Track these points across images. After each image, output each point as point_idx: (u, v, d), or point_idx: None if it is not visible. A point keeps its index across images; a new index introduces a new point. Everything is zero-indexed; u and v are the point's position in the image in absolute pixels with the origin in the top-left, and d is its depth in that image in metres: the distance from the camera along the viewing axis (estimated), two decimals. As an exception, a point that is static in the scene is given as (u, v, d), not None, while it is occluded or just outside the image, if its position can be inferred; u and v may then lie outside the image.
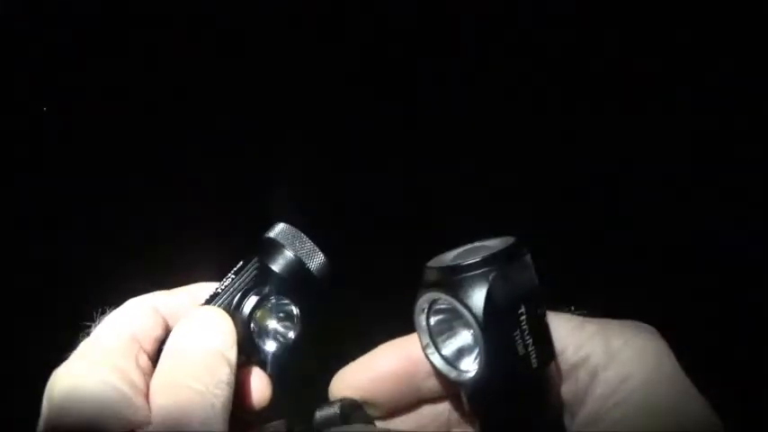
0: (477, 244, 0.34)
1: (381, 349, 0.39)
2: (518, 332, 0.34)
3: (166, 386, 0.35)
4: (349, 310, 1.77)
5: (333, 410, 0.37)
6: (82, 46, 1.55)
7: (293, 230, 0.39)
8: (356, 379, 0.40)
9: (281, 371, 0.40)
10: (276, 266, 0.38)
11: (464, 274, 0.33)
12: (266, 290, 0.38)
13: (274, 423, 0.38)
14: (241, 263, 0.38)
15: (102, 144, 1.66)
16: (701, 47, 1.78)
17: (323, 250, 0.43)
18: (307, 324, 0.39)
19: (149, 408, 0.35)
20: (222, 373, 0.37)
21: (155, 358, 0.37)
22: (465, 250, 0.34)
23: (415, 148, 2.00)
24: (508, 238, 0.33)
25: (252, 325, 0.38)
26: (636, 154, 1.70)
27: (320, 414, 0.37)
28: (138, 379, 0.35)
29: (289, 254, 0.39)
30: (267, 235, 0.39)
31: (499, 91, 1.76)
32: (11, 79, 1.51)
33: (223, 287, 0.39)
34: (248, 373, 0.40)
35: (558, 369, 0.37)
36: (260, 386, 0.40)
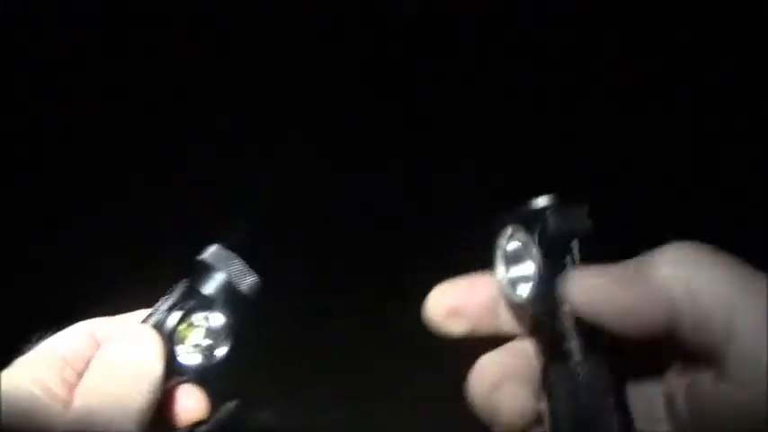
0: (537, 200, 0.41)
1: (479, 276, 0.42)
2: (569, 257, 0.39)
3: (86, 391, 0.37)
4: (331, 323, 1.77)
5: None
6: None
7: (224, 252, 0.41)
8: (451, 294, 0.43)
9: (208, 385, 0.41)
10: (204, 285, 0.40)
11: (531, 209, 0.40)
12: (190, 306, 0.39)
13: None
14: (174, 286, 0.41)
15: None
16: (701, 47, 1.78)
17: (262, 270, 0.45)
18: (235, 340, 0.40)
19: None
20: (143, 381, 0.38)
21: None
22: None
23: (414, 149, 2.00)
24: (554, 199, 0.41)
25: (176, 340, 0.39)
26: (636, 154, 1.70)
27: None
28: (57, 388, 0.37)
29: (218, 274, 0.40)
30: (199, 257, 0.41)
31: (499, 91, 1.76)
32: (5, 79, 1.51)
33: (154, 308, 0.41)
34: (179, 388, 0.41)
35: None
36: (190, 401, 0.41)
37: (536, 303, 0.40)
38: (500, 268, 0.42)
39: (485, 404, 0.41)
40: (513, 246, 0.43)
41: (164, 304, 0.41)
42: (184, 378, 0.41)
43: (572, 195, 0.42)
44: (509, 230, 0.42)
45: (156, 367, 0.39)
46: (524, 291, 0.41)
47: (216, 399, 0.42)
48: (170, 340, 0.39)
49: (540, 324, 0.41)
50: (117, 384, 0.37)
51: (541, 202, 0.41)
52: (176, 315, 0.40)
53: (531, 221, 0.40)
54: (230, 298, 0.41)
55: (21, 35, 1.59)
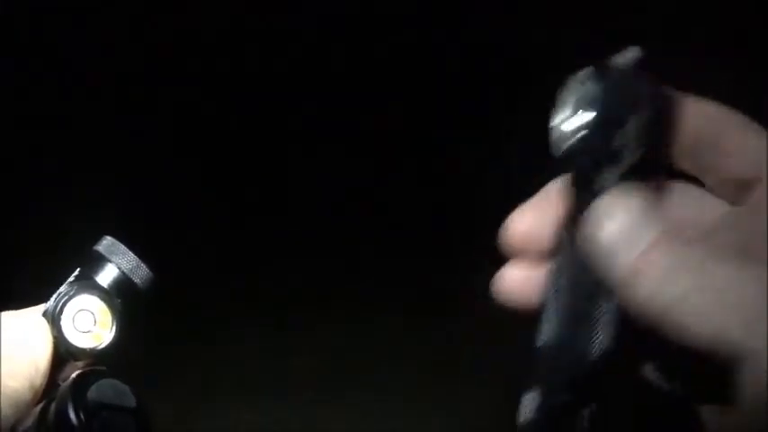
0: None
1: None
2: (633, 125, 0.36)
3: None
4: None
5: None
6: None
7: (117, 244, 0.42)
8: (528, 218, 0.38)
9: (99, 366, 0.43)
10: (96, 274, 0.42)
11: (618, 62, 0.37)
12: (80, 292, 0.40)
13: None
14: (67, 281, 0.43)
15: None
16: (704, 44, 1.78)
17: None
18: (124, 331, 0.41)
19: None
20: (22, 367, 0.39)
21: None
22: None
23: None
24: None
25: (64, 328, 0.41)
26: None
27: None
28: None
29: (110, 265, 0.42)
30: (93, 248, 0.43)
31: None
32: None
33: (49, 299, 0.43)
34: (69, 374, 0.43)
35: None
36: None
37: (583, 156, 0.36)
38: (558, 113, 0.38)
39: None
40: (578, 91, 0.39)
41: (55, 293, 0.42)
42: (79, 364, 0.42)
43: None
44: (581, 75, 0.38)
45: (40, 351, 0.40)
46: (573, 140, 0.38)
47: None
48: (57, 324, 0.41)
49: (578, 182, 0.38)
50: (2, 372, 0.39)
51: (629, 54, 0.38)
52: (63, 299, 0.41)
53: (609, 73, 0.37)
54: (123, 288, 0.42)
55: None
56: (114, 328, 0.41)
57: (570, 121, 0.37)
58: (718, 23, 1.79)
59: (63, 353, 0.41)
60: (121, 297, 0.42)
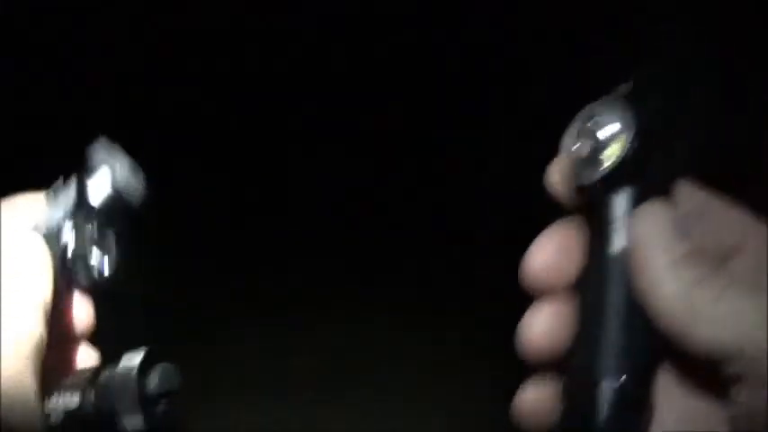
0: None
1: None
2: (659, 151, 0.37)
3: None
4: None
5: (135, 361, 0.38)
6: None
7: (113, 148, 0.39)
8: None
9: (100, 298, 0.40)
10: (95, 187, 0.39)
11: (634, 85, 0.38)
12: (84, 214, 0.38)
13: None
14: (60, 182, 0.39)
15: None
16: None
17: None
18: (124, 250, 0.39)
19: None
20: (30, 295, 0.37)
21: None
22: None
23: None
24: None
25: (69, 252, 0.38)
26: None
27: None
28: None
29: (107, 174, 0.39)
30: (88, 151, 0.40)
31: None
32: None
33: (42, 210, 0.40)
34: (70, 300, 0.40)
35: None
36: (81, 312, 0.41)
37: (603, 189, 0.36)
38: (577, 142, 0.37)
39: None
40: (598, 120, 0.38)
41: (51, 210, 0.40)
42: (75, 290, 0.40)
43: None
44: (598, 106, 0.38)
45: (44, 280, 0.38)
46: (595, 172, 0.37)
47: (104, 315, 0.41)
48: (63, 254, 0.39)
49: (598, 214, 0.37)
50: (5, 304, 0.36)
51: (647, 78, 0.37)
52: (69, 225, 0.39)
53: (630, 98, 0.36)
54: (119, 201, 0.40)
55: None
56: (115, 255, 0.39)
57: (589, 151, 0.37)
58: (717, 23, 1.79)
59: (65, 281, 0.39)
60: (117, 213, 0.39)
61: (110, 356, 0.39)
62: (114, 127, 0.44)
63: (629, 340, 0.35)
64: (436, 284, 1.68)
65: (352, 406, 1.52)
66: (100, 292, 0.40)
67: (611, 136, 0.36)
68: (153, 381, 0.37)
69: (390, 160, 2.04)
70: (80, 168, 0.40)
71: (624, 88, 0.37)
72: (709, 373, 0.34)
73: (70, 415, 0.37)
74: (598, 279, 0.36)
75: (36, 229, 0.38)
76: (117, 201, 0.40)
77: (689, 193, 0.38)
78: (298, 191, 1.98)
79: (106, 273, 0.40)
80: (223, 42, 2.00)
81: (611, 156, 0.36)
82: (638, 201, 0.36)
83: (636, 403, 0.35)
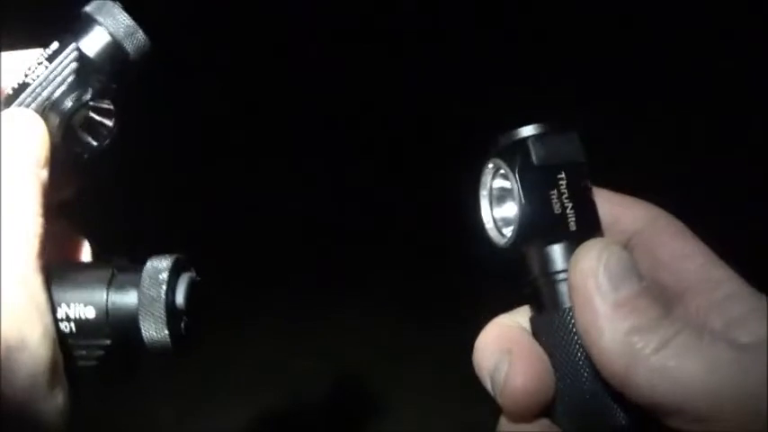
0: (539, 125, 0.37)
1: None
2: (555, 192, 0.35)
3: None
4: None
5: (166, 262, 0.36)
6: None
7: (112, 5, 0.36)
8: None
9: (97, 171, 0.38)
10: (93, 52, 0.36)
11: (512, 140, 0.36)
12: (87, 92, 0.35)
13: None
14: (56, 45, 0.36)
15: None
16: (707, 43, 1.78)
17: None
18: (120, 118, 0.36)
19: None
20: (27, 185, 0.35)
21: None
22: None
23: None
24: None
25: (65, 120, 0.35)
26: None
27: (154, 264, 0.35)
28: None
29: (105, 35, 0.36)
30: (84, 10, 0.37)
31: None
32: None
33: (35, 76, 0.36)
34: (67, 173, 0.38)
35: None
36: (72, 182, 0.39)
37: (519, 247, 0.36)
38: (484, 209, 0.37)
39: (488, 377, 0.37)
40: (496, 183, 0.38)
41: (50, 74, 0.37)
42: (76, 158, 0.37)
43: (559, 122, 0.37)
44: (491, 165, 0.37)
45: (42, 172, 0.35)
46: (508, 233, 0.36)
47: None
48: (63, 126, 0.36)
49: (526, 269, 0.36)
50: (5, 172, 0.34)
51: (524, 131, 0.36)
52: (69, 102, 0.36)
53: (513, 153, 0.36)
54: (117, 61, 0.37)
55: None
56: (114, 122, 0.37)
57: (497, 213, 0.37)
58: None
59: (66, 149, 0.37)
60: (113, 69, 0.37)
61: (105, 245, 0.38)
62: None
63: (601, 401, 0.34)
64: (437, 285, 1.68)
65: (352, 406, 1.52)
66: (94, 159, 0.38)
67: (509, 196, 0.36)
68: (180, 295, 0.36)
69: (390, 161, 2.04)
70: (78, 31, 0.37)
71: (503, 142, 0.36)
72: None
73: (83, 324, 0.35)
74: (556, 334, 0.35)
75: (33, 96, 0.36)
76: (116, 53, 0.37)
77: (639, 231, 0.37)
78: (298, 191, 1.98)
79: (102, 141, 0.37)
80: (222, 41, 2.00)
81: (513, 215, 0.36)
82: (563, 247, 0.36)
83: None
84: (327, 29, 2.03)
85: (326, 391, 1.54)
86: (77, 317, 0.35)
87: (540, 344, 0.36)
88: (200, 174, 1.92)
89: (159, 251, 0.39)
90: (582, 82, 1.80)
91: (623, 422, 0.34)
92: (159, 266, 0.36)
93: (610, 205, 0.37)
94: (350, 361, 1.62)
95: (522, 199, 0.35)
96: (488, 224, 0.38)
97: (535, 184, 0.35)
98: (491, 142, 0.37)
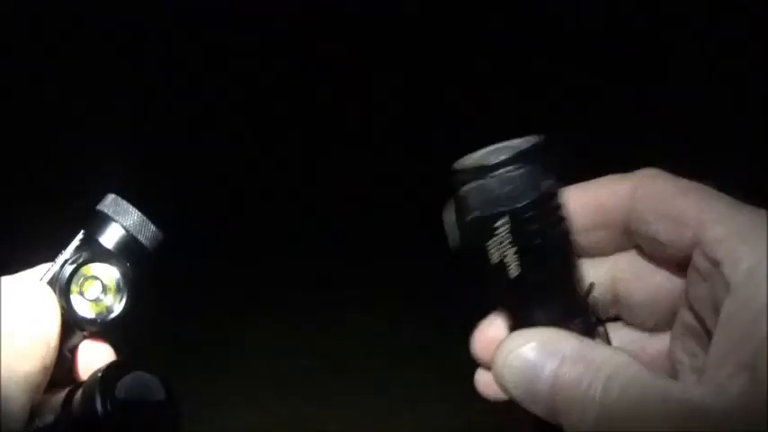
0: (500, 145, 0.35)
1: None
2: (492, 241, 0.34)
3: None
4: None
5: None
6: None
7: (121, 202, 0.39)
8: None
9: (106, 337, 0.39)
10: (102, 236, 0.39)
11: (457, 178, 0.35)
12: (86, 257, 0.38)
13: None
14: (72, 237, 0.39)
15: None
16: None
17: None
18: (136, 293, 0.38)
19: None
20: (33, 346, 0.36)
21: None
22: (485, 152, 0.36)
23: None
24: (517, 145, 0.35)
25: (73, 294, 0.37)
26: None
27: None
28: None
29: (116, 225, 0.39)
30: (97, 207, 0.39)
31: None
32: None
33: (53, 263, 0.40)
34: (82, 343, 0.39)
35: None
36: (95, 355, 0.40)
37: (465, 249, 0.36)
38: (448, 211, 0.36)
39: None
40: (463, 190, 0.37)
41: (60, 257, 0.39)
42: (85, 333, 0.39)
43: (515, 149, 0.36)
44: (461, 175, 0.36)
45: (51, 327, 0.37)
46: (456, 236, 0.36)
47: (118, 355, 0.40)
48: (66, 295, 0.38)
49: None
50: (8, 347, 0.35)
51: (461, 176, 0.35)
52: (71, 268, 0.38)
53: (452, 204, 0.36)
54: (129, 250, 0.39)
55: None
56: (125, 295, 0.39)
57: (450, 218, 0.36)
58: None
59: (70, 323, 0.38)
60: (129, 259, 0.39)
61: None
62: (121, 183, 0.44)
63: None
64: (437, 285, 1.68)
65: (352, 406, 1.52)
66: (109, 335, 0.40)
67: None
68: (121, 389, 0.37)
69: (390, 161, 2.04)
70: (88, 223, 0.40)
71: (462, 175, 0.35)
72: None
73: (45, 430, 0.37)
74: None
75: (45, 278, 0.38)
76: (129, 249, 0.39)
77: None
78: (298, 191, 1.98)
79: (116, 314, 0.39)
80: (222, 40, 2.00)
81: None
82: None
83: None
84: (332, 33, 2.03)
85: (326, 390, 1.54)
86: None
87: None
88: (200, 176, 1.92)
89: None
90: (582, 81, 1.80)
91: None
92: (96, 375, 0.37)
93: (585, 197, 0.36)
94: (350, 361, 1.62)
95: (461, 253, 0.35)
96: (448, 227, 0.37)
97: (472, 238, 0.35)
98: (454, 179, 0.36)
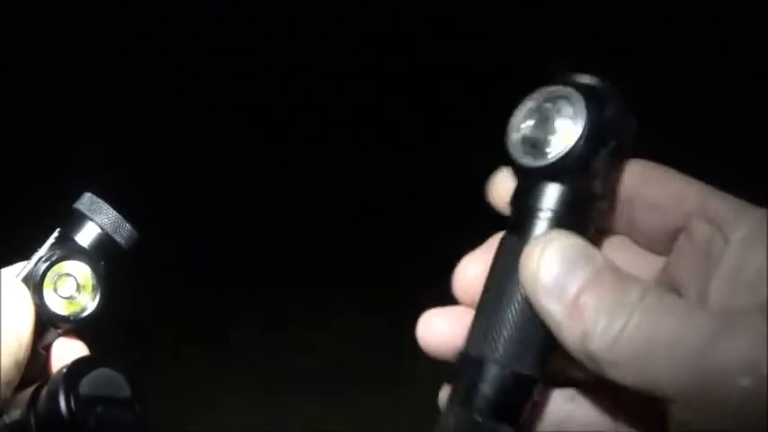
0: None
1: None
2: (603, 150, 0.35)
3: None
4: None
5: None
6: None
7: (97, 201, 0.39)
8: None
9: (80, 334, 0.40)
10: (76, 234, 0.39)
11: (593, 83, 0.36)
12: (60, 255, 0.38)
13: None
14: (48, 235, 0.40)
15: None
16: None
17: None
18: (110, 291, 0.39)
19: None
20: (6, 342, 0.36)
21: None
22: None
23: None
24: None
25: (47, 291, 0.38)
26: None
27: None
28: None
29: (91, 224, 0.39)
30: (73, 206, 0.40)
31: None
32: None
33: (29, 260, 0.40)
34: (57, 340, 0.40)
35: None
36: (68, 352, 0.40)
37: (542, 175, 0.35)
38: (527, 122, 0.36)
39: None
40: (552, 105, 0.38)
41: (36, 255, 0.40)
42: (60, 331, 0.39)
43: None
44: (556, 89, 0.35)
45: (24, 325, 0.37)
46: (540, 157, 0.35)
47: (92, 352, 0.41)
48: (39, 292, 0.38)
49: (525, 201, 0.36)
50: None
51: (602, 82, 0.36)
52: (44, 265, 0.39)
53: (587, 93, 0.35)
54: (104, 249, 0.40)
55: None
56: (99, 293, 0.39)
57: (538, 134, 0.36)
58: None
59: (44, 321, 0.39)
60: (104, 258, 0.39)
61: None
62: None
63: (521, 333, 0.34)
64: (436, 285, 1.68)
65: (352, 406, 1.52)
66: (83, 332, 0.40)
67: (563, 124, 0.35)
68: (84, 385, 0.37)
69: (391, 162, 2.04)
70: (65, 222, 0.40)
71: (579, 79, 0.35)
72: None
73: (13, 426, 0.38)
74: (505, 271, 0.35)
75: (20, 275, 0.39)
76: (104, 247, 0.40)
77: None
78: (298, 191, 1.98)
79: (89, 312, 0.39)
80: (222, 40, 2.00)
81: (558, 144, 0.35)
82: (568, 198, 0.35)
83: (520, 392, 0.34)
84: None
85: (326, 390, 1.54)
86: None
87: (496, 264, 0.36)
88: (200, 176, 1.92)
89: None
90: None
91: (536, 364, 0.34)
92: (61, 372, 0.37)
93: (668, 186, 0.36)
94: (350, 361, 1.62)
95: (582, 139, 0.34)
96: (516, 138, 0.36)
97: (594, 135, 0.35)
98: (561, 72, 0.36)
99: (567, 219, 0.35)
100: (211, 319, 1.70)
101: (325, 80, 2.01)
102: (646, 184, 0.36)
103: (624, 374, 0.30)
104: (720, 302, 0.31)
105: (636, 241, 0.37)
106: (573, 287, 0.32)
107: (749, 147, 1.66)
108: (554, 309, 0.32)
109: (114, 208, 0.41)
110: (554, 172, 0.34)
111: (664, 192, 0.35)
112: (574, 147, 0.34)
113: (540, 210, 0.35)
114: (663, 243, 0.36)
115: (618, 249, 0.37)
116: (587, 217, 0.35)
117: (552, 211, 0.35)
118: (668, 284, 0.35)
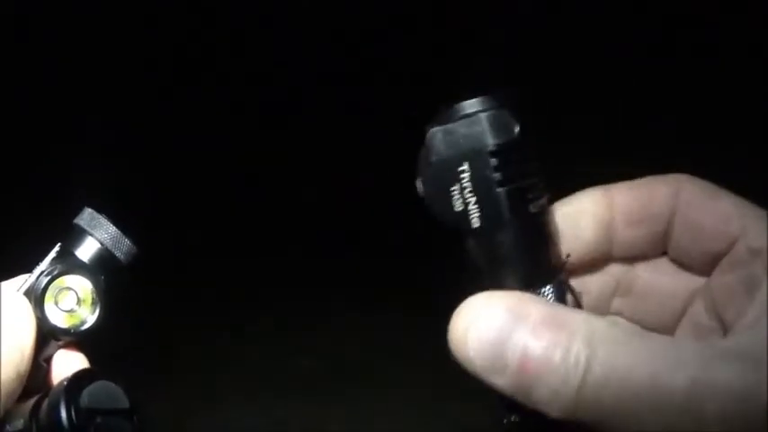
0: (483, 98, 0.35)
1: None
2: (456, 187, 0.33)
3: None
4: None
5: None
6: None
7: (97, 216, 0.40)
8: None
9: (81, 346, 0.41)
10: (77, 249, 0.40)
11: (429, 125, 0.34)
12: (61, 269, 0.39)
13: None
14: (49, 249, 0.41)
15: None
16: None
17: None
18: (110, 306, 0.40)
19: None
20: (7, 355, 0.37)
21: None
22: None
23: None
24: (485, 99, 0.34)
25: (47, 304, 0.39)
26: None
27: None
28: None
29: (91, 239, 0.40)
30: (74, 221, 0.41)
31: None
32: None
33: (31, 273, 0.41)
34: (58, 353, 0.41)
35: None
36: (69, 365, 0.41)
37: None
38: (418, 179, 0.35)
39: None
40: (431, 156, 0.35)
41: (37, 269, 0.41)
42: (60, 343, 0.41)
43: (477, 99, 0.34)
44: (432, 136, 0.34)
45: (26, 337, 0.38)
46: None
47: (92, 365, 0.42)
48: (41, 305, 0.39)
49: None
50: None
51: (433, 122, 0.34)
52: (46, 279, 0.39)
53: (422, 149, 0.34)
54: (104, 263, 0.41)
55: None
56: (98, 307, 0.40)
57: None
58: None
59: (45, 333, 0.40)
60: (104, 272, 0.41)
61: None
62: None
63: None
64: (436, 284, 1.68)
65: (352, 406, 1.52)
66: (84, 345, 0.41)
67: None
68: (85, 397, 0.38)
69: (390, 162, 2.04)
70: (66, 237, 0.41)
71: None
72: None
73: None
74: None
75: (22, 289, 0.40)
76: (104, 261, 0.41)
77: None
78: (298, 191, 1.98)
79: (89, 325, 0.41)
80: (223, 39, 2.00)
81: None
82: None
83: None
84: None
85: (326, 390, 1.54)
86: None
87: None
88: (200, 176, 1.92)
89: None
90: (582, 80, 1.80)
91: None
92: (62, 384, 0.38)
93: (631, 196, 0.36)
94: (350, 361, 1.62)
95: (426, 199, 0.34)
96: (420, 192, 0.36)
97: (436, 182, 0.34)
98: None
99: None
100: (211, 319, 1.70)
101: (326, 80, 2.02)
102: (688, 207, 0.35)
103: (611, 417, 0.29)
104: (746, 338, 0.30)
105: (674, 260, 0.37)
106: (513, 358, 0.30)
107: (749, 147, 1.66)
108: (504, 383, 0.31)
109: (115, 211, 0.42)
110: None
111: (707, 217, 0.35)
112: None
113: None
114: (704, 265, 0.36)
115: (654, 268, 0.37)
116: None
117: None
118: (709, 308, 0.35)
